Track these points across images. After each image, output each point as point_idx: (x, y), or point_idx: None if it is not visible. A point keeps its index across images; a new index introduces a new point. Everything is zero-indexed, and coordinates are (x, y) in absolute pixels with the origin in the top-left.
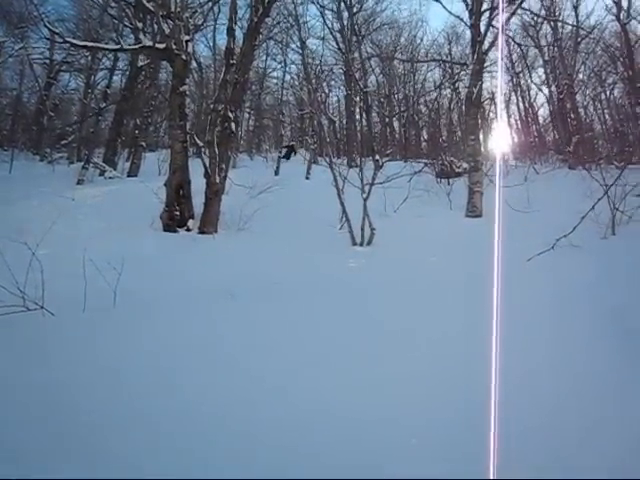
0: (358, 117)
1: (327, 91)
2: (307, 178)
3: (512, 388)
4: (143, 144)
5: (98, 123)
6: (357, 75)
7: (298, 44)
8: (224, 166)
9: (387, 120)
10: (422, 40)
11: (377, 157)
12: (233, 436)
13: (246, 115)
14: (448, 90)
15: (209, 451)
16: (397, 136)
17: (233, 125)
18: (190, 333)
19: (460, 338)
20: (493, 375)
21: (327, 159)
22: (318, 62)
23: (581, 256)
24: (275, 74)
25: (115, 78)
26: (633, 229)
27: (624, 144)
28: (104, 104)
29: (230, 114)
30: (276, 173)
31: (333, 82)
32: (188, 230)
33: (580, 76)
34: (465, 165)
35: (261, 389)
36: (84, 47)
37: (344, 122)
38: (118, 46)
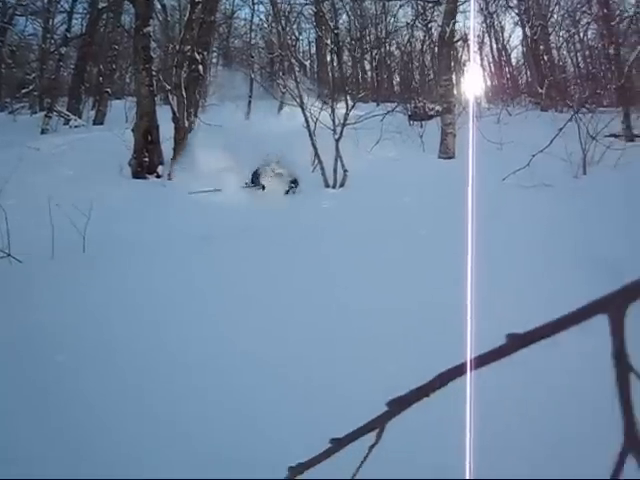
0: (329, 59)
1: (297, 34)
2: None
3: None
4: (108, 91)
5: (60, 70)
6: (328, 16)
7: None
8: (193, 110)
9: (359, 62)
10: None
11: (349, 98)
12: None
13: (214, 60)
14: (421, 32)
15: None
16: (369, 79)
17: (201, 67)
18: (161, 277)
19: (434, 278)
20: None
21: (298, 101)
22: (287, 2)
23: (553, 194)
24: (243, 15)
25: (76, 22)
26: (603, 169)
27: (596, 87)
28: (64, 49)
29: (197, 56)
30: (247, 117)
31: (303, 25)
32: (158, 177)
33: (554, 17)
34: (438, 107)
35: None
36: None
37: (315, 65)
38: None
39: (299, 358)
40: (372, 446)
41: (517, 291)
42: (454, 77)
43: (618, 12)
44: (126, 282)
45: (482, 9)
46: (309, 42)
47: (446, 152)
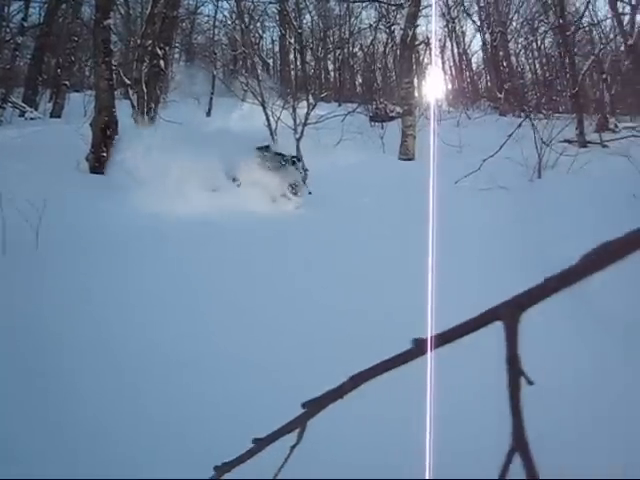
0: (292, 59)
1: (261, 32)
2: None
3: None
4: (67, 83)
5: (15, 60)
6: (292, 15)
7: None
8: (153, 105)
9: (322, 63)
10: None
11: (310, 98)
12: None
13: (176, 56)
14: (384, 35)
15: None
16: (332, 79)
17: (162, 63)
18: (116, 275)
19: (397, 278)
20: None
21: (259, 99)
22: (251, 0)
23: (508, 197)
24: (207, 11)
25: (33, 11)
26: (557, 173)
27: (552, 93)
28: (21, 38)
29: (159, 51)
30: (208, 114)
31: (267, 23)
32: None
33: (513, 24)
34: (398, 109)
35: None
36: None
37: (278, 64)
38: None
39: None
40: (294, 446)
41: (469, 291)
42: (415, 80)
43: (574, 22)
44: (80, 279)
45: (444, 14)
46: (273, 41)
47: (406, 154)
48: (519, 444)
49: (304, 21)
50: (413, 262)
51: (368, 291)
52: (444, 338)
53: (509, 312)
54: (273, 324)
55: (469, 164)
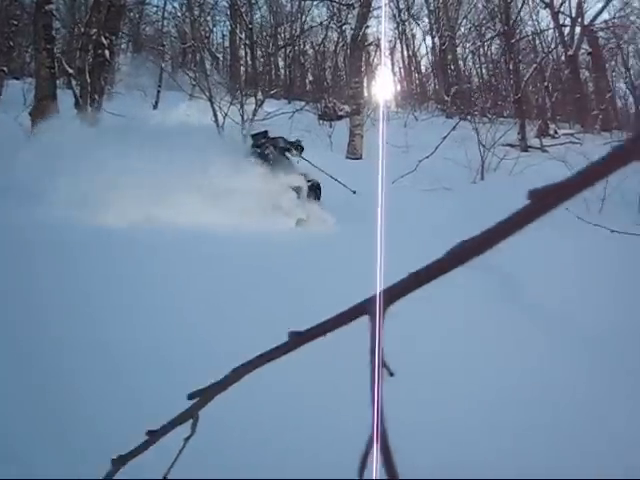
0: (243, 54)
1: (211, 25)
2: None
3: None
4: (5, 69)
5: None
6: (243, 9)
7: None
8: (97, 97)
9: (272, 59)
10: None
11: (259, 94)
12: None
13: (123, 46)
14: (335, 33)
15: None
16: (282, 76)
17: (107, 52)
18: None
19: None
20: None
21: (207, 93)
22: None
23: (451, 198)
24: (156, 1)
25: None
26: (499, 175)
27: (497, 98)
28: None
29: (104, 40)
30: (154, 107)
31: (218, 17)
32: None
33: (462, 30)
34: (347, 108)
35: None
36: None
37: (228, 59)
38: None
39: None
40: (188, 438)
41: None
42: (365, 80)
43: (518, 31)
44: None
45: (395, 16)
46: (223, 35)
47: (354, 153)
48: (378, 436)
49: (255, 16)
50: (359, 262)
51: (310, 294)
52: (314, 333)
53: (375, 306)
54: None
55: (414, 164)
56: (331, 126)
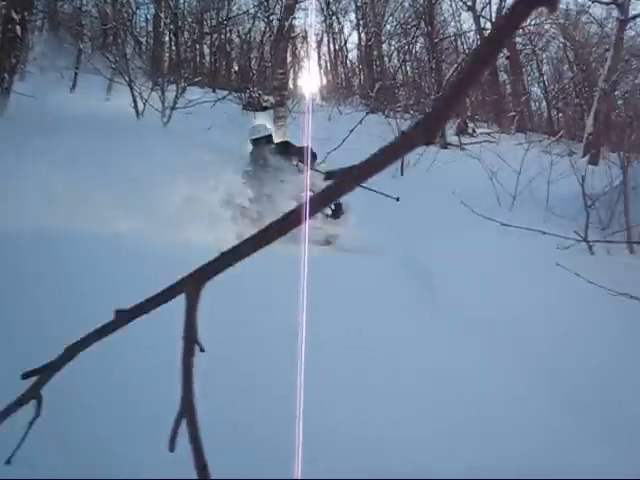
0: (167, 39)
1: (134, 8)
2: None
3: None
4: None
5: None
6: None
7: None
8: (7, 76)
9: (197, 46)
10: None
11: (182, 81)
12: None
13: (38, 23)
14: (262, 23)
15: None
16: (207, 64)
17: (19, 29)
18: None
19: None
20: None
21: (126, 78)
22: None
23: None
24: None
25: None
26: (418, 171)
27: (420, 95)
28: None
29: (15, 15)
30: (72, 89)
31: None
32: None
33: (388, 27)
34: (272, 99)
35: None
36: None
37: (151, 44)
38: None
39: None
40: (32, 420)
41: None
42: (291, 71)
43: (441, 32)
44: None
45: (323, 9)
46: (147, 19)
47: None
48: (187, 407)
49: (180, 1)
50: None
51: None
52: (139, 310)
53: (191, 285)
54: None
55: (334, 157)
56: (255, 117)
